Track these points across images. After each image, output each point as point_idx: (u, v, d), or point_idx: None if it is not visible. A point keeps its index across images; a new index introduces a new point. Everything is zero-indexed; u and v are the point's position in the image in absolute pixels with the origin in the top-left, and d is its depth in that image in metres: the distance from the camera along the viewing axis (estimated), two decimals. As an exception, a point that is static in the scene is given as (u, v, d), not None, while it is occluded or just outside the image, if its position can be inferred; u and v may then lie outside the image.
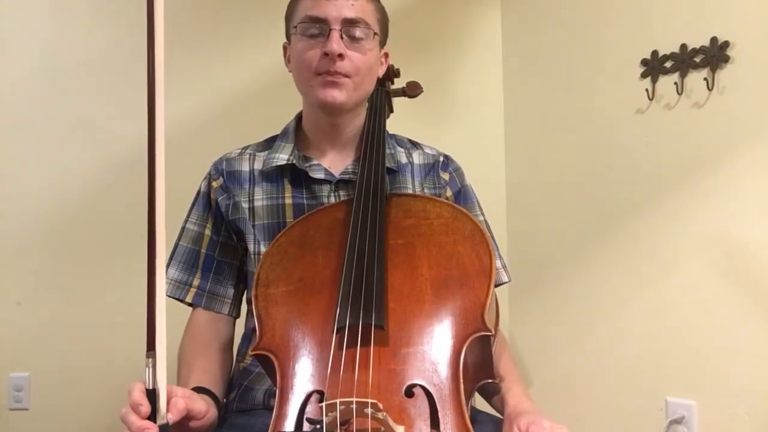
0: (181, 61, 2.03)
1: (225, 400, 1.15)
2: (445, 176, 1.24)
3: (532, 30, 2.22)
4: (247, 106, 2.06)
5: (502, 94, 2.30)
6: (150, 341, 0.79)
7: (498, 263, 1.19)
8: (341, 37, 1.09)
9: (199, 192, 1.23)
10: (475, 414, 1.05)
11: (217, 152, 1.26)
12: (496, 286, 1.19)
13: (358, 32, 1.11)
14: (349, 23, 1.10)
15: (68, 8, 1.98)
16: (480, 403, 1.11)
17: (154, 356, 0.79)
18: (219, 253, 1.19)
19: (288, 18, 1.18)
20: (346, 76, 1.10)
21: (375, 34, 1.14)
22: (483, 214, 1.26)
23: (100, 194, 1.97)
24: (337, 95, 1.10)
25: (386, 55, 1.24)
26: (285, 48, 1.21)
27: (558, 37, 2.12)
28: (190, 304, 1.19)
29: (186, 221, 1.21)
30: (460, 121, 2.25)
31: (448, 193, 1.24)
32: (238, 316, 1.21)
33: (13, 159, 1.95)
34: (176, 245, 1.20)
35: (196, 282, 1.17)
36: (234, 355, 1.21)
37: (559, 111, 2.10)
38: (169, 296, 1.15)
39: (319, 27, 1.10)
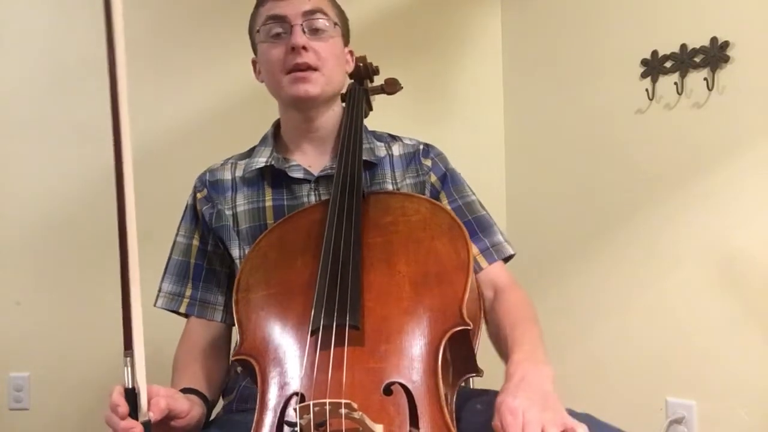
0: (176, 63, 2.04)
1: (224, 402, 1.16)
2: (428, 162, 1.23)
3: (532, 30, 2.22)
4: (243, 108, 2.05)
5: (502, 94, 2.30)
6: (127, 341, 0.80)
7: (499, 237, 1.18)
8: (303, 32, 1.11)
9: (187, 205, 1.25)
10: (473, 394, 1.03)
11: (209, 160, 1.27)
12: (507, 259, 1.18)
13: (318, 23, 1.13)
14: (308, 15, 1.12)
15: (68, 9, 1.99)
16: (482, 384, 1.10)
17: (131, 355, 0.80)
18: (208, 262, 1.20)
19: (251, 29, 1.21)
20: (314, 69, 1.12)
21: (335, 24, 1.16)
22: (474, 194, 1.24)
23: (99, 194, 1.96)
24: (309, 88, 1.12)
25: (351, 53, 1.26)
26: (254, 63, 1.23)
27: (558, 37, 2.12)
28: (184, 315, 1.20)
29: (176, 235, 1.23)
30: (460, 122, 2.25)
31: (433, 178, 1.22)
32: (233, 322, 1.21)
33: (13, 159, 1.95)
34: (169, 259, 1.22)
35: (188, 292, 1.18)
36: (231, 361, 1.22)
37: (559, 111, 2.11)
38: (164, 309, 1.18)
39: (281, 26, 1.12)
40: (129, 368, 0.81)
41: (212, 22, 2.08)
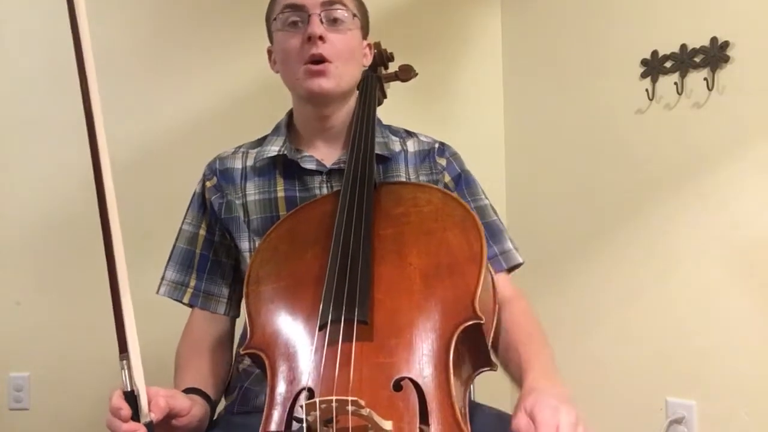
0: (176, 63, 2.04)
1: (226, 402, 1.15)
2: (442, 161, 1.22)
3: (532, 30, 2.22)
4: (243, 108, 2.06)
5: (502, 94, 2.30)
6: (121, 344, 0.79)
7: (508, 245, 1.17)
8: (321, 22, 1.10)
9: (194, 193, 1.23)
10: (474, 407, 1.03)
11: (213, 155, 1.27)
12: (514, 268, 1.17)
13: (336, 14, 1.11)
14: (327, 5, 1.11)
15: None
16: (483, 398, 1.10)
17: (127, 358, 0.80)
18: (214, 253, 1.18)
19: (268, 17, 1.18)
20: (329, 61, 1.10)
21: (354, 15, 1.14)
22: (487, 198, 1.23)
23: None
24: (324, 83, 1.10)
25: (370, 46, 1.24)
26: (270, 52, 1.21)
27: (558, 37, 2.12)
28: (188, 305, 1.18)
29: (182, 223, 1.22)
30: (460, 121, 2.25)
31: (447, 178, 1.21)
32: (237, 315, 1.21)
33: (13, 159, 1.95)
34: (174, 247, 1.20)
35: (192, 282, 1.17)
36: (233, 356, 1.21)
37: (559, 111, 2.10)
38: (168, 297, 1.17)
39: (299, 15, 1.11)
40: (126, 371, 0.80)
41: (212, 22, 2.08)
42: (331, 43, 1.10)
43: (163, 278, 1.18)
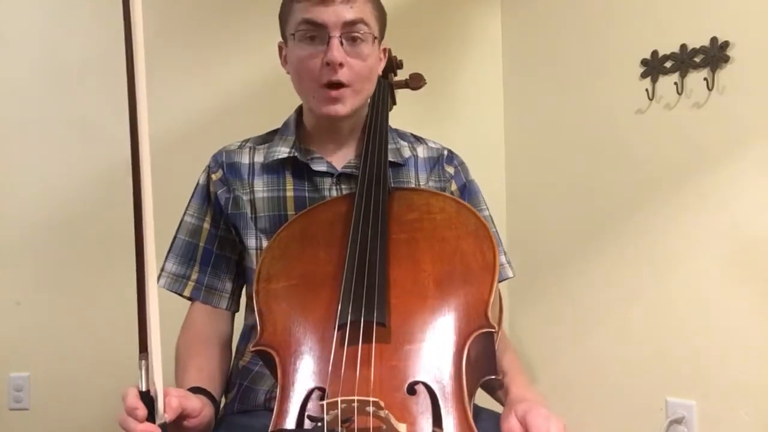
0: (176, 63, 2.04)
1: (225, 400, 1.15)
2: (450, 170, 1.23)
3: (532, 30, 2.22)
4: (242, 108, 2.06)
5: (502, 94, 2.30)
6: (142, 343, 0.79)
7: (502, 258, 1.19)
8: (341, 44, 1.07)
9: (198, 184, 1.22)
10: (478, 411, 1.04)
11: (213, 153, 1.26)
12: (500, 281, 1.19)
13: (357, 35, 1.08)
14: (349, 26, 1.08)
15: (68, 8, 1.99)
16: (482, 401, 1.11)
17: (146, 358, 0.79)
18: (218, 247, 1.18)
19: (283, 18, 1.15)
20: (347, 85, 1.09)
21: (375, 38, 1.12)
22: (488, 209, 1.25)
23: (99, 194, 1.97)
24: (340, 109, 1.10)
25: (385, 51, 1.22)
26: (280, 48, 1.19)
27: (558, 37, 2.12)
28: (188, 298, 1.17)
29: (185, 214, 1.20)
30: (461, 121, 2.25)
31: (453, 186, 1.22)
32: (237, 310, 1.20)
33: (12, 159, 1.95)
34: (174, 238, 1.19)
35: (194, 276, 1.16)
36: (233, 352, 1.21)
37: (559, 111, 2.11)
38: (167, 290, 1.15)
39: (318, 32, 1.08)
40: (144, 371, 0.80)
41: (212, 22, 2.08)
42: (350, 67, 1.08)
43: (162, 270, 1.16)
